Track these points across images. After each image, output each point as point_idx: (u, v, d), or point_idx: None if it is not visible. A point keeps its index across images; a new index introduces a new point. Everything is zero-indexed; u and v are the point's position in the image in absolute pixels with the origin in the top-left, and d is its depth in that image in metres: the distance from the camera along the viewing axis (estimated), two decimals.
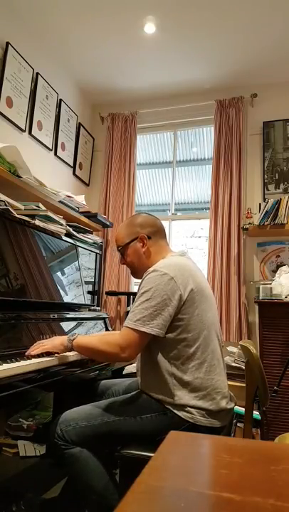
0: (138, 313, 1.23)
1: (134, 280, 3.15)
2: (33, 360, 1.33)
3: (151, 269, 1.31)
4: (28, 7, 2.41)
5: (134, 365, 1.61)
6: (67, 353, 1.48)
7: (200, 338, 1.28)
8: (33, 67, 2.59)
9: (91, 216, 2.79)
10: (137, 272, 1.49)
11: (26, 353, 1.38)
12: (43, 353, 1.41)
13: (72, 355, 1.51)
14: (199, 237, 3.39)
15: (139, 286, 1.32)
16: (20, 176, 2.00)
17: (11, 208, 1.77)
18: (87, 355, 1.45)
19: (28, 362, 1.30)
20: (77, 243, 2.27)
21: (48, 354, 1.42)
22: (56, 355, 1.44)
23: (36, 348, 1.40)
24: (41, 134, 2.72)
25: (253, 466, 0.54)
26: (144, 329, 1.21)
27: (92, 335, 1.60)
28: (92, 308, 2.41)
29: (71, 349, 1.36)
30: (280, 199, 2.67)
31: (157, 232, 1.49)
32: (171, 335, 1.26)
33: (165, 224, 3.28)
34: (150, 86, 3.21)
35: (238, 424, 1.92)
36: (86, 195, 3.11)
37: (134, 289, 3.17)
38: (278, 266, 2.78)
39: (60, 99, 2.97)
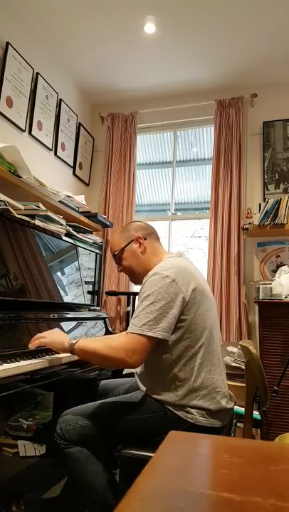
0: (143, 317, 1.21)
1: None
2: (33, 360, 1.33)
3: (151, 272, 1.30)
4: (28, 7, 2.41)
5: None
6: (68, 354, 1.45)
7: (202, 338, 1.27)
8: (33, 67, 2.59)
9: (91, 216, 2.79)
10: (136, 275, 1.47)
11: (29, 347, 1.35)
12: (42, 351, 1.37)
13: (72, 355, 1.50)
14: (199, 237, 3.39)
15: (141, 290, 1.31)
16: (21, 175, 2.00)
17: (11, 208, 1.77)
18: (89, 360, 1.40)
19: (28, 362, 1.30)
20: (77, 243, 2.27)
21: (46, 352, 1.39)
22: (54, 354, 1.41)
23: (34, 340, 1.35)
24: (41, 134, 2.72)
25: (253, 466, 0.54)
26: (150, 334, 1.19)
27: (95, 339, 1.57)
28: (92, 308, 2.41)
29: (71, 352, 1.31)
30: (280, 199, 2.67)
31: (151, 234, 1.50)
32: (174, 336, 1.25)
33: (165, 224, 3.33)
34: (150, 86, 3.21)
35: (238, 424, 1.92)
36: (86, 195, 3.11)
37: (134, 289, 3.17)
38: (278, 266, 2.78)
39: (60, 99, 2.97)
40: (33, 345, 1.35)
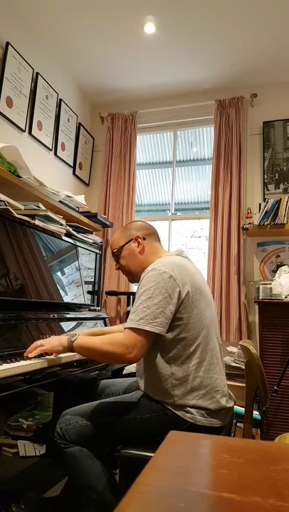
0: (140, 312, 1.22)
1: None
2: (34, 360, 1.33)
3: (149, 268, 1.31)
4: (28, 7, 2.41)
5: (134, 365, 1.61)
6: (68, 353, 1.44)
7: (199, 337, 1.27)
8: (33, 67, 2.59)
9: (91, 216, 2.79)
10: (133, 274, 1.48)
11: (24, 355, 1.34)
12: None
13: (73, 355, 1.50)
14: (199, 237, 3.39)
15: (138, 286, 1.31)
16: (21, 175, 2.00)
17: (11, 208, 1.77)
18: (89, 357, 1.39)
19: (29, 362, 1.30)
20: (77, 243, 2.27)
21: (46, 353, 1.39)
22: (54, 355, 1.41)
23: (34, 350, 1.34)
24: (41, 134, 2.72)
25: (253, 466, 0.54)
26: (147, 328, 1.19)
27: (94, 337, 1.56)
28: (92, 308, 2.41)
29: (71, 350, 1.31)
30: (280, 199, 2.67)
31: (152, 235, 1.51)
32: (171, 334, 1.26)
33: (165, 224, 3.33)
34: (150, 86, 3.21)
35: (238, 424, 1.92)
36: (86, 195, 3.11)
37: (134, 288, 3.17)
38: (278, 266, 2.78)
39: (60, 99, 2.97)
40: (32, 354, 1.33)
